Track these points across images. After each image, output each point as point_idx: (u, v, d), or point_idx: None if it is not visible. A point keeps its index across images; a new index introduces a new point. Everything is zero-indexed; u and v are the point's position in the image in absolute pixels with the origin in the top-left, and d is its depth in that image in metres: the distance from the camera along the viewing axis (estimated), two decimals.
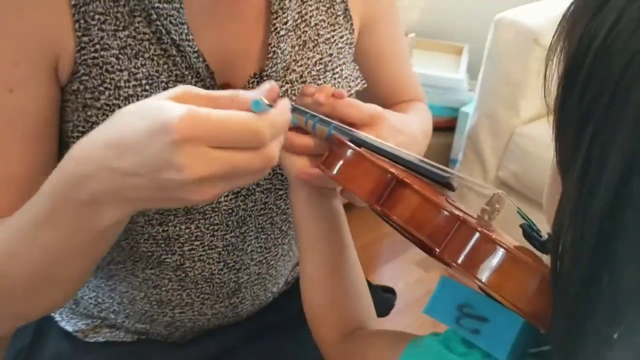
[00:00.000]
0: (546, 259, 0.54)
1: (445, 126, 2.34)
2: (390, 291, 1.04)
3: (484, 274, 0.48)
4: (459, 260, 0.50)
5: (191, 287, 0.79)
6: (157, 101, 0.48)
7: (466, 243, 0.50)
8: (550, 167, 0.48)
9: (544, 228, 0.53)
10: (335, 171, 0.60)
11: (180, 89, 0.50)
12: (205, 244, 0.75)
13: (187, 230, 0.73)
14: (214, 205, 0.73)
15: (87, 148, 0.51)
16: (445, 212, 0.53)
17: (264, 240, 0.80)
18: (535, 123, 1.89)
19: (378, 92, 0.89)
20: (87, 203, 0.51)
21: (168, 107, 0.46)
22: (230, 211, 0.74)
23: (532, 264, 0.48)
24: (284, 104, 0.52)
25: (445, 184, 0.61)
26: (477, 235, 0.50)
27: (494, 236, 0.49)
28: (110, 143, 0.49)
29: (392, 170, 0.57)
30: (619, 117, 0.39)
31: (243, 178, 0.50)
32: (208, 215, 0.73)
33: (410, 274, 2.09)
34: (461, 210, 0.55)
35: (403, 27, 0.91)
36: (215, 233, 0.75)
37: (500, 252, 0.48)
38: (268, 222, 0.79)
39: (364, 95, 0.83)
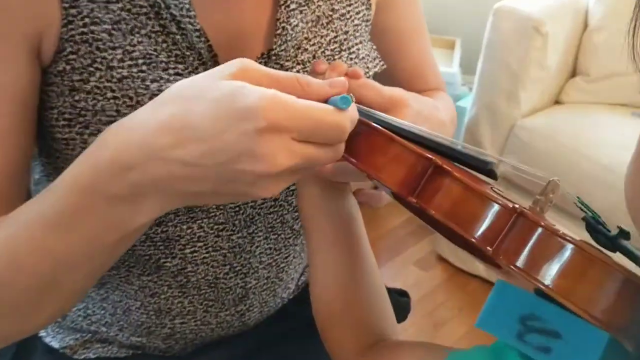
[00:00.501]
0: (614, 257, 0.46)
1: None
2: (405, 294, 0.96)
3: (550, 277, 0.40)
4: (518, 262, 0.41)
5: (193, 293, 0.71)
6: (222, 81, 0.42)
7: (526, 240, 0.42)
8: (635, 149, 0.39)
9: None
10: (360, 159, 0.51)
11: (237, 64, 0.44)
12: (209, 245, 0.68)
13: (189, 231, 0.65)
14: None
15: (129, 133, 0.44)
16: (497, 204, 0.44)
17: (274, 240, 0.72)
18: (536, 115, 1.84)
19: (398, 76, 0.80)
20: (123, 197, 0.45)
21: (249, 89, 0.41)
22: (237, 209, 0.67)
23: (611, 263, 0.39)
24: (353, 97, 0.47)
25: (488, 172, 0.52)
26: (539, 230, 0.41)
27: (560, 230, 0.41)
28: (166, 128, 0.42)
29: (429, 154, 0.48)
30: None
31: (309, 171, 0.48)
32: (212, 214, 0.65)
33: (408, 274, 2.03)
34: (512, 202, 0.47)
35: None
36: (220, 233, 0.67)
37: (568, 249, 0.40)
38: (278, 220, 0.71)
39: (382, 80, 0.75)
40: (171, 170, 0.43)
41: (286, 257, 0.76)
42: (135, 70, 0.57)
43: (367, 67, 0.72)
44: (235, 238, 0.69)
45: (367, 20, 0.72)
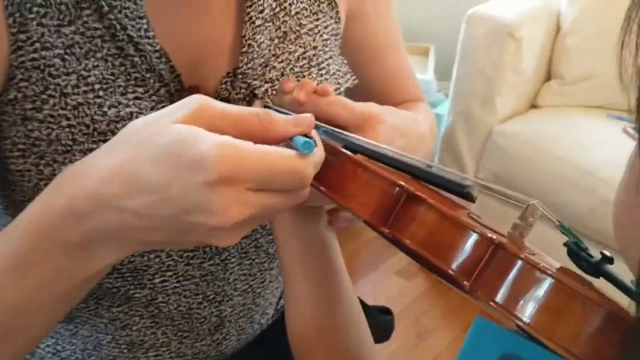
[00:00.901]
0: (596, 282, 0.44)
1: None
2: (387, 311, 0.94)
3: (530, 314, 0.37)
4: (497, 298, 0.39)
5: (167, 323, 0.68)
6: (176, 125, 0.39)
7: (504, 274, 0.39)
8: (626, 170, 0.36)
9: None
10: (328, 187, 0.47)
11: (195, 103, 0.41)
12: (180, 274, 0.64)
13: (157, 260, 0.62)
14: None
15: (82, 181, 0.42)
16: (475, 233, 0.42)
17: (248, 266, 0.70)
18: (513, 120, 1.83)
19: (373, 90, 0.78)
20: (78, 244, 0.43)
21: (200, 137, 0.38)
22: None
23: (594, 298, 0.37)
24: (318, 139, 0.45)
25: (465, 195, 0.49)
26: (518, 263, 0.38)
27: (541, 263, 0.38)
28: (116, 177, 0.40)
29: (401, 181, 0.45)
30: None
31: (271, 218, 0.45)
32: None
33: (391, 285, 2.01)
34: (490, 229, 0.44)
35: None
36: (191, 262, 0.64)
37: (549, 284, 0.37)
38: (252, 245, 0.68)
39: (356, 95, 0.72)
40: (124, 219, 0.41)
41: (262, 282, 0.73)
42: (91, 96, 0.54)
43: (338, 83, 0.69)
44: (207, 265, 0.66)
45: (337, 35, 0.70)
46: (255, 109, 0.43)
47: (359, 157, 0.47)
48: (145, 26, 0.54)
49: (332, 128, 0.53)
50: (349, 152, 0.47)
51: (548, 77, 1.93)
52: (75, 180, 0.43)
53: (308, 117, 0.44)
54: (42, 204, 0.44)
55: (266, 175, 0.40)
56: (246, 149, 0.39)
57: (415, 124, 0.66)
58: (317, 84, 0.58)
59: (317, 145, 0.43)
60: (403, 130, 0.60)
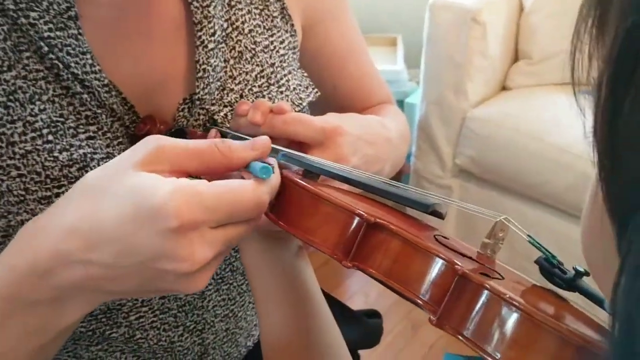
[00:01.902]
0: (571, 296, 0.43)
1: None
2: (375, 314, 0.93)
3: (499, 348, 0.35)
4: (465, 332, 0.37)
5: (149, 357, 0.67)
6: (130, 172, 0.39)
7: (472, 306, 0.37)
8: (589, 194, 0.33)
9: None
10: (287, 221, 0.46)
11: (151, 145, 0.40)
12: (156, 308, 0.63)
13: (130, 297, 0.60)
14: None
15: (43, 235, 0.41)
16: (437, 259, 0.40)
17: (226, 291, 0.68)
18: (485, 104, 1.83)
19: (340, 98, 0.77)
20: (48, 302, 0.42)
21: (156, 185, 0.38)
22: None
23: (564, 329, 0.34)
24: (274, 163, 0.45)
25: (431, 213, 0.47)
26: (484, 294, 0.37)
27: (508, 294, 0.36)
28: (75, 231, 0.40)
29: (360, 210, 0.43)
30: None
31: (232, 247, 0.44)
32: None
33: None
34: (456, 251, 0.42)
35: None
36: (166, 295, 0.62)
37: (517, 316, 0.35)
38: (227, 269, 0.67)
39: (322, 104, 0.71)
40: (89, 272, 0.40)
41: (242, 305, 0.71)
42: (40, 142, 0.52)
43: (300, 98, 0.68)
44: (183, 296, 0.64)
45: (294, 48, 0.68)
46: (213, 140, 0.42)
47: (317, 187, 0.46)
48: (90, 61, 0.52)
49: (291, 151, 0.52)
50: (305, 184, 0.45)
51: (516, 58, 1.93)
52: (36, 237, 0.42)
53: (263, 139, 0.44)
54: (6, 266, 0.43)
55: (227, 212, 0.40)
56: (204, 191, 0.39)
57: (382, 128, 0.64)
58: (275, 102, 0.56)
59: (275, 170, 0.43)
60: (368, 139, 0.59)
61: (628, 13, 0.26)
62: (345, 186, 0.50)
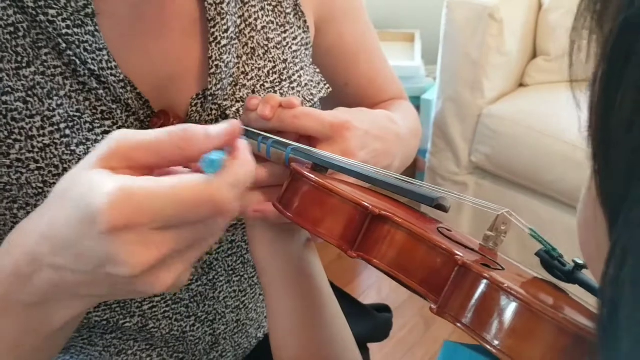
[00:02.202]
0: (572, 288, 0.44)
1: None
2: (385, 309, 0.94)
3: (498, 337, 0.37)
4: (465, 320, 0.38)
5: (161, 345, 0.68)
6: (84, 173, 0.38)
7: (471, 295, 0.38)
8: (584, 187, 0.34)
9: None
10: (295, 212, 0.47)
11: (110, 141, 0.38)
12: (168, 298, 0.65)
13: None
14: None
15: (24, 238, 0.42)
16: (440, 250, 0.41)
17: (237, 282, 0.70)
18: (501, 101, 1.82)
19: (352, 94, 0.77)
20: (34, 304, 0.43)
21: (95, 185, 0.36)
22: None
23: (561, 319, 0.36)
24: (243, 151, 0.40)
25: (436, 207, 0.49)
26: (483, 283, 0.38)
27: (506, 283, 0.37)
28: (44, 235, 0.40)
29: (366, 202, 0.45)
30: None
31: (205, 245, 0.41)
32: None
33: None
34: (459, 243, 0.44)
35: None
36: None
37: (515, 305, 0.36)
38: (239, 262, 0.68)
39: (334, 100, 0.72)
40: (62, 276, 0.40)
41: (253, 297, 0.73)
42: (57, 136, 0.54)
43: (311, 94, 0.69)
44: (194, 287, 0.66)
45: (307, 44, 0.69)
46: (169, 128, 0.39)
47: (326, 180, 0.47)
48: (106, 57, 0.53)
49: (301, 145, 0.53)
50: (313, 176, 0.47)
51: (534, 55, 1.92)
52: (18, 241, 0.42)
53: (219, 129, 0.40)
54: None
55: (166, 212, 0.36)
56: (140, 191, 0.36)
57: (391, 123, 0.65)
58: (285, 97, 0.57)
59: (221, 163, 0.38)
60: (376, 134, 0.60)
61: (623, 9, 0.27)
62: (352, 180, 0.52)
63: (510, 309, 0.36)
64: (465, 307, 0.38)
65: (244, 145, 0.41)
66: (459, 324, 0.38)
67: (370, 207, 0.44)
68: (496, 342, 0.36)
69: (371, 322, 0.90)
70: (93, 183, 0.36)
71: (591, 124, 0.30)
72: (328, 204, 0.46)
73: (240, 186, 0.39)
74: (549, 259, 0.43)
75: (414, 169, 2.29)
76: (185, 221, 0.37)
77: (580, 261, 0.42)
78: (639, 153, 0.27)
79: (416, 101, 2.25)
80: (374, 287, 1.96)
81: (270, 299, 0.57)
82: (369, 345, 0.92)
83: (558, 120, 1.70)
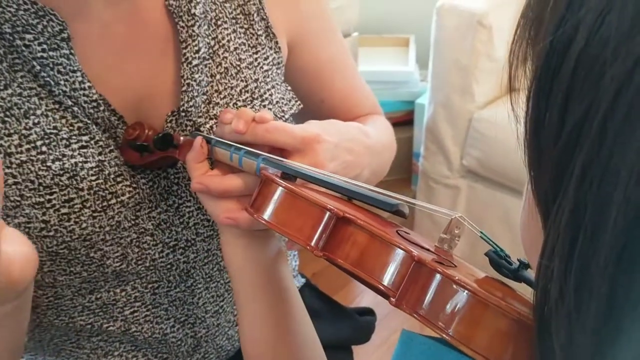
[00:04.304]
0: (518, 287, 0.48)
1: (403, 120, 2.29)
2: (369, 312, 0.97)
3: (450, 325, 0.40)
4: (420, 310, 0.42)
5: (146, 347, 0.72)
6: None
7: (425, 288, 0.42)
8: (525, 190, 0.38)
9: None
10: (266, 215, 0.52)
11: None
12: (148, 303, 0.68)
13: (124, 293, 0.66)
14: (148, 264, 0.65)
15: None
16: (400, 250, 0.45)
17: (215, 288, 0.73)
18: (492, 106, 1.85)
19: (327, 110, 0.80)
20: None
21: None
22: (169, 266, 0.67)
23: (505, 307, 0.39)
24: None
25: (395, 212, 0.53)
26: (437, 277, 0.42)
27: (457, 276, 0.41)
28: None
29: (330, 205, 0.49)
30: (626, 138, 0.28)
31: None
32: (143, 275, 0.66)
33: None
34: (416, 244, 0.47)
35: (343, 32, 0.82)
36: (157, 291, 0.68)
37: (465, 296, 0.40)
38: (215, 269, 0.72)
39: (309, 116, 0.75)
40: None
41: (231, 301, 0.76)
42: (34, 153, 0.58)
43: (283, 111, 0.72)
44: (173, 293, 0.69)
45: (278, 64, 0.72)
46: None
47: (293, 185, 0.51)
48: (79, 78, 0.57)
49: (271, 156, 0.56)
50: (282, 181, 0.51)
51: None
52: None
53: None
54: None
55: None
56: None
57: (362, 135, 0.68)
58: (253, 110, 0.60)
59: None
60: (346, 146, 0.63)
61: (550, 34, 0.31)
62: (321, 188, 0.55)
63: (460, 299, 0.40)
64: (421, 299, 0.42)
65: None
66: (415, 315, 0.42)
67: (335, 209, 0.48)
68: (448, 329, 0.40)
69: (351, 325, 0.93)
70: None
71: (526, 135, 0.34)
72: (296, 207, 0.50)
73: None
74: (497, 258, 0.46)
75: (409, 173, 2.33)
76: None
77: (525, 260, 0.46)
78: (564, 162, 0.30)
79: (410, 105, 2.28)
80: (367, 291, 1.97)
81: (241, 305, 0.60)
82: (359, 349, 0.96)
83: None
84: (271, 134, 0.58)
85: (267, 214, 0.52)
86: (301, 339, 0.61)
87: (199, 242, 0.68)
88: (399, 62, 2.35)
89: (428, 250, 0.48)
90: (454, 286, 0.41)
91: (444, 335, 0.40)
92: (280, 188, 0.51)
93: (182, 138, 0.61)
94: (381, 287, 0.45)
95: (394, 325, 1.84)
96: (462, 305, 0.40)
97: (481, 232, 0.50)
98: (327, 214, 0.48)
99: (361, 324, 0.94)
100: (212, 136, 0.61)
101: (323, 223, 0.49)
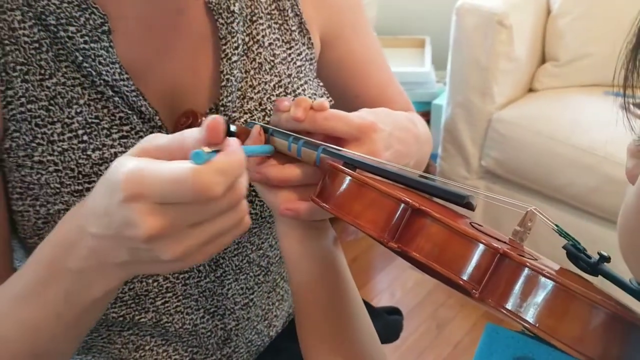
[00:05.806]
0: (596, 280, 0.47)
1: None
2: (396, 311, 0.96)
3: (536, 317, 0.40)
4: (507, 304, 0.41)
5: (176, 340, 0.72)
6: (119, 159, 0.45)
7: (512, 281, 0.42)
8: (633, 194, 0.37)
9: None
10: (334, 206, 0.50)
11: (145, 140, 0.46)
12: (179, 294, 0.68)
13: (156, 284, 0.66)
14: None
15: (71, 214, 0.50)
16: (480, 243, 0.44)
17: (244, 280, 0.73)
18: (511, 107, 1.84)
19: (362, 105, 0.80)
20: (77, 272, 0.49)
21: (119, 164, 0.44)
22: None
23: (594, 298, 0.39)
24: (233, 145, 0.45)
25: (465, 205, 0.51)
26: (525, 271, 0.41)
27: (545, 269, 0.41)
28: (88, 208, 0.47)
29: (405, 197, 0.48)
30: None
31: (224, 235, 0.46)
32: None
33: (407, 278, 2.03)
34: (492, 236, 0.46)
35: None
36: (188, 282, 0.68)
37: (552, 288, 0.40)
38: (245, 261, 0.72)
39: (348, 111, 0.75)
40: (98, 243, 0.47)
41: (260, 295, 0.76)
42: (75, 141, 0.59)
43: None
44: (203, 283, 0.69)
45: (311, 59, 0.72)
46: (178, 133, 0.46)
47: (363, 176, 0.50)
48: (118, 70, 0.58)
49: (331, 146, 0.56)
50: (352, 172, 0.50)
51: (543, 60, 1.94)
52: (69, 215, 0.50)
53: (192, 133, 0.45)
54: (47, 239, 0.51)
55: (163, 189, 0.42)
56: (146, 168, 0.43)
57: (411, 125, 0.68)
58: (311, 99, 0.59)
59: (216, 151, 0.43)
60: (398, 135, 0.62)
61: None
62: (380, 178, 0.54)
63: (548, 292, 0.40)
64: (507, 292, 0.41)
65: (234, 142, 0.45)
66: (502, 309, 0.41)
67: (411, 201, 0.47)
68: (535, 322, 0.40)
69: (381, 324, 0.92)
70: (119, 162, 0.44)
71: None
72: (368, 198, 0.49)
73: (228, 174, 0.43)
74: (575, 251, 0.46)
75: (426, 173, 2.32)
76: (178, 199, 0.43)
77: (605, 254, 0.45)
78: None
79: (427, 106, 2.28)
80: (387, 290, 1.98)
81: (298, 293, 0.60)
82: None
83: (567, 125, 1.72)
84: (329, 122, 0.57)
85: (336, 205, 0.50)
86: (357, 325, 0.60)
87: None
88: (415, 63, 2.35)
89: (504, 242, 0.47)
90: (542, 279, 0.40)
91: (531, 328, 0.40)
92: (349, 178, 0.50)
93: (235, 127, 0.59)
94: (460, 281, 0.44)
95: (414, 325, 1.84)
96: (550, 297, 0.40)
97: (557, 226, 0.49)
98: (402, 205, 0.48)
99: (390, 323, 0.94)
100: (269, 125, 0.60)
101: (397, 215, 0.48)
